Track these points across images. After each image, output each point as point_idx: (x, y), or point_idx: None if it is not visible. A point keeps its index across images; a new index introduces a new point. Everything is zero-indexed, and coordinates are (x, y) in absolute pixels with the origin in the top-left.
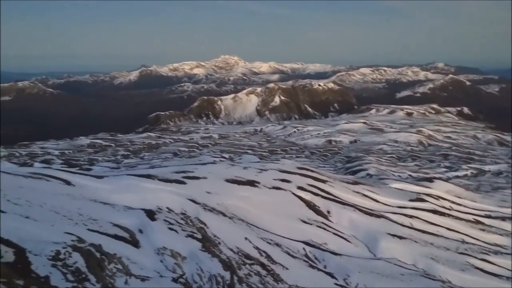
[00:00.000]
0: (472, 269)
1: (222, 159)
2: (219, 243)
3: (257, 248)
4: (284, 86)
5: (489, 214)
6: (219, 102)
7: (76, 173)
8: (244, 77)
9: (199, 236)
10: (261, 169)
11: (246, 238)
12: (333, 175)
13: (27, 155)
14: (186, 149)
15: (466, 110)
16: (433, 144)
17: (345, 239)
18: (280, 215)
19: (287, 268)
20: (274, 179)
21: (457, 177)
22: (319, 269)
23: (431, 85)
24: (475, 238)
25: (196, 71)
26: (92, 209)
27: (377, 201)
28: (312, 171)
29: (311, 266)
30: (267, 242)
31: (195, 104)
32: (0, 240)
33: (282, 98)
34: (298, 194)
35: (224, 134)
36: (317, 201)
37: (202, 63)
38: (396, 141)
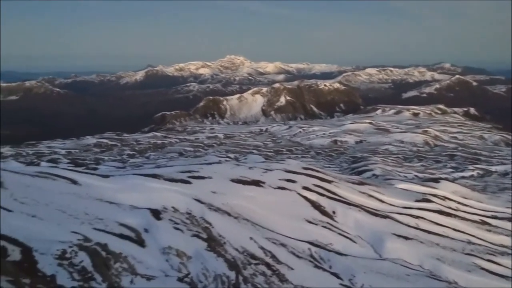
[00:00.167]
0: (478, 270)
1: (228, 159)
2: (224, 242)
3: (262, 248)
4: (289, 86)
5: (496, 215)
6: (224, 102)
7: (82, 173)
8: (250, 77)
9: (205, 235)
10: (266, 169)
11: (251, 238)
12: (338, 175)
13: (34, 154)
14: (192, 149)
15: (472, 110)
16: (439, 145)
17: (350, 239)
18: (285, 215)
19: (292, 268)
20: (280, 179)
21: (463, 177)
22: (324, 270)
23: (437, 86)
24: (481, 239)
25: (202, 71)
26: (98, 208)
27: (383, 202)
28: (317, 171)
29: (316, 266)
30: (273, 242)
31: (201, 104)
32: (7, 238)
33: (288, 98)
34: (304, 194)
35: (230, 134)
36: (323, 201)
37: (208, 63)
38: (402, 142)
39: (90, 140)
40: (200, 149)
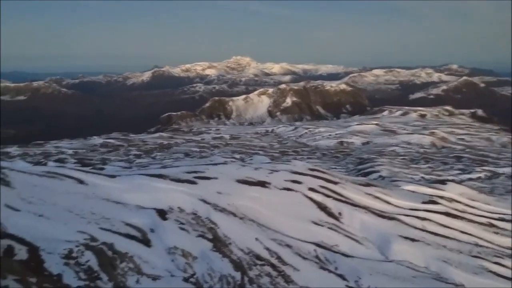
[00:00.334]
0: (485, 273)
1: (233, 159)
2: (230, 243)
3: (267, 249)
4: (295, 87)
5: (503, 217)
6: (230, 103)
7: (89, 172)
8: (256, 78)
9: (210, 236)
10: (272, 170)
11: (256, 239)
12: (344, 176)
13: (41, 154)
14: (198, 150)
15: (480, 112)
16: (446, 146)
17: (356, 241)
18: (291, 216)
19: (298, 270)
20: (285, 180)
21: (471, 179)
22: (330, 271)
23: (444, 87)
24: (488, 241)
25: (208, 71)
26: (105, 208)
27: (389, 203)
28: (323, 172)
29: (322, 267)
30: (278, 243)
31: (207, 104)
32: (14, 237)
33: (294, 99)
34: (309, 195)
35: (235, 134)
36: (329, 203)
37: (214, 64)
38: (409, 143)
39: (97, 140)
40: (206, 150)
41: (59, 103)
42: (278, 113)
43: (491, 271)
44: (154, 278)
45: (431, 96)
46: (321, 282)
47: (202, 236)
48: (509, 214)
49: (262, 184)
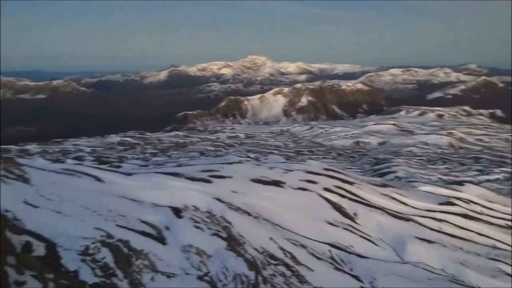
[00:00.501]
0: (503, 276)
1: (248, 159)
2: (244, 242)
3: (282, 248)
4: (311, 87)
5: None
6: (245, 102)
7: (106, 170)
8: (271, 77)
9: (224, 235)
10: (287, 170)
11: (271, 239)
12: (360, 177)
13: (60, 151)
14: (213, 148)
15: (498, 112)
16: (464, 147)
17: (372, 242)
18: (305, 216)
19: (312, 270)
20: (300, 180)
21: (489, 180)
22: (345, 272)
23: (463, 87)
24: (506, 244)
25: (223, 71)
26: (121, 206)
27: (406, 204)
28: (339, 172)
29: (336, 268)
30: (292, 243)
31: (222, 104)
32: (32, 234)
33: (309, 98)
34: (324, 195)
35: (250, 134)
36: (344, 203)
37: (229, 63)
38: (426, 143)
39: (114, 138)
40: (221, 149)
41: (77, 102)
42: (293, 113)
43: (509, 274)
44: (169, 275)
45: (449, 96)
46: (336, 283)
47: (216, 234)
48: None
49: (277, 183)
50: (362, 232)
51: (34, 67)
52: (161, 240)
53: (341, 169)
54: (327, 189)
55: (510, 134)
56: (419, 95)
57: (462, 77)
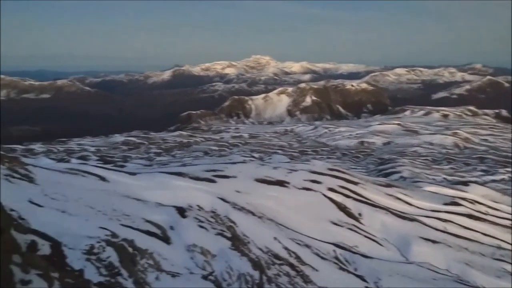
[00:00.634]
0: (507, 276)
1: (252, 158)
2: (248, 242)
3: (286, 248)
4: (315, 86)
5: None
6: (249, 102)
7: (110, 170)
8: (275, 77)
9: (229, 234)
10: (291, 170)
11: (275, 238)
12: (365, 177)
13: (65, 151)
14: (217, 148)
15: (504, 112)
16: (469, 147)
17: (376, 242)
18: (310, 216)
19: (316, 270)
20: (304, 180)
21: (494, 181)
22: (349, 272)
23: (468, 87)
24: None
25: (227, 70)
26: (126, 205)
27: (410, 204)
28: (343, 172)
29: (341, 268)
30: (297, 243)
31: (226, 103)
32: (37, 233)
33: (314, 98)
34: (329, 195)
35: (254, 133)
36: (348, 203)
37: (233, 63)
38: (431, 143)
39: (118, 138)
40: (225, 149)
41: (82, 102)
42: (297, 112)
43: None
44: (174, 275)
45: (454, 96)
46: (341, 283)
47: (221, 234)
48: None
49: (281, 183)
50: (367, 232)
51: (37, 67)
52: (165, 239)
53: (346, 169)
54: (331, 189)
55: None
56: (424, 95)
57: (467, 76)
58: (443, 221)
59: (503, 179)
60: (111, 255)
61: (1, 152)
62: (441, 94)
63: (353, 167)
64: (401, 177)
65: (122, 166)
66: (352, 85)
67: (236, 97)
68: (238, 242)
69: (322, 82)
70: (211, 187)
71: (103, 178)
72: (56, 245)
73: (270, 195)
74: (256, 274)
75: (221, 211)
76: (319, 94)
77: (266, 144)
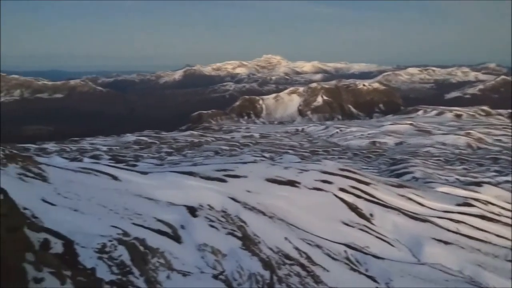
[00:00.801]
0: None
1: (263, 158)
2: (259, 242)
3: (297, 248)
4: (327, 86)
5: None
6: (260, 102)
7: (122, 169)
8: (287, 77)
9: (239, 234)
10: (302, 170)
11: (286, 238)
12: (376, 177)
13: (77, 150)
14: (227, 148)
15: None
16: (482, 147)
17: (388, 243)
18: (320, 216)
19: (327, 270)
20: (315, 180)
21: (507, 182)
22: (360, 273)
23: (481, 86)
24: None
25: (238, 70)
26: (137, 204)
27: (423, 205)
28: (354, 172)
29: (352, 269)
30: (308, 243)
31: (237, 103)
32: (50, 231)
33: (325, 98)
34: (340, 195)
35: (265, 133)
36: (360, 204)
37: (244, 63)
38: (443, 144)
39: (130, 137)
40: (235, 148)
41: (94, 101)
42: (308, 112)
43: None
44: (184, 274)
45: (467, 96)
46: (352, 283)
47: (231, 234)
48: None
49: (292, 183)
50: (378, 233)
51: (52, 67)
52: (176, 238)
53: (357, 170)
54: (342, 189)
55: None
56: (437, 95)
57: (481, 76)
58: (456, 222)
59: None
60: (122, 253)
61: (15, 151)
62: (454, 94)
63: (364, 167)
64: (413, 177)
65: (134, 166)
66: (364, 85)
67: (247, 97)
68: (248, 242)
69: (333, 82)
70: (222, 186)
71: (115, 177)
72: (68, 243)
73: (281, 195)
74: (266, 274)
75: (231, 211)
76: (330, 93)
77: (277, 144)
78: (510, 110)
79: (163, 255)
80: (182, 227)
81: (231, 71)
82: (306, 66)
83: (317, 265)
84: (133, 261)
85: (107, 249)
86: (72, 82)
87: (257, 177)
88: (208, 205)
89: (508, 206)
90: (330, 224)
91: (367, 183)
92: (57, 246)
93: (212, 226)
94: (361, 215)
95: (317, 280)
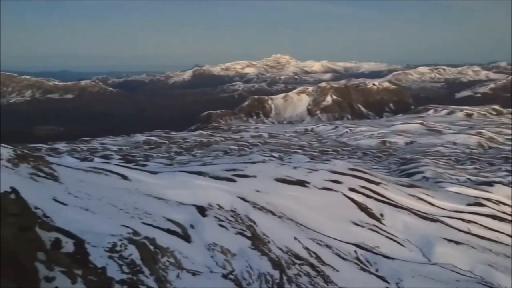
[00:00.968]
0: None
1: (272, 158)
2: (268, 241)
3: (306, 248)
4: (336, 85)
5: None
6: (269, 101)
7: (132, 169)
8: (296, 76)
9: (249, 234)
10: (311, 169)
11: (295, 238)
12: (387, 177)
13: (88, 150)
14: (236, 148)
15: None
16: (493, 147)
17: (398, 242)
18: (330, 216)
19: (337, 270)
20: (325, 180)
21: None
22: (370, 273)
23: (492, 85)
24: None
25: (247, 70)
26: (147, 204)
27: (433, 205)
28: (364, 172)
29: (362, 269)
30: (317, 243)
31: (246, 103)
32: (61, 231)
33: (334, 97)
34: (350, 195)
35: (274, 133)
36: (370, 203)
37: (253, 63)
38: (454, 143)
39: (140, 137)
40: (244, 148)
41: (104, 101)
42: (318, 112)
43: None
44: (194, 273)
45: (478, 95)
46: (361, 283)
47: (241, 233)
48: None
49: (301, 183)
50: (388, 233)
51: (62, 68)
52: (186, 238)
53: (367, 169)
54: (352, 189)
55: None
56: (447, 94)
57: (492, 75)
58: (467, 222)
59: None
60: (133, 253)
61: (26, 151)
62: (465, 93)
63: (374, 167)
64: (424, 177)
65: (144, 165)
66: (374, 84)
67: (256, 96)
68: (258, 242)
69: (343, 81)
70: (231, 186)
71: (125, 177)
72: (79, 242)
73: (290, 194)
74: (276, 273)
75: (241, 211)
76: (340, 93)
77: (286, 144)
78: None
79: (173, 255)
80: (192, 226)
81: (240, 71)
82: (316, 66)
83: (327, 265)
84: (143, 260)
85: (117, 248)
86: (83, 82)
87: (266, 177)
88: (218, 204)
89: None
90: (340, 224)
91: (377, 183)
92: (68, 245)
93: (222, 226)
94: (371, 215)
95: (327, 280)
